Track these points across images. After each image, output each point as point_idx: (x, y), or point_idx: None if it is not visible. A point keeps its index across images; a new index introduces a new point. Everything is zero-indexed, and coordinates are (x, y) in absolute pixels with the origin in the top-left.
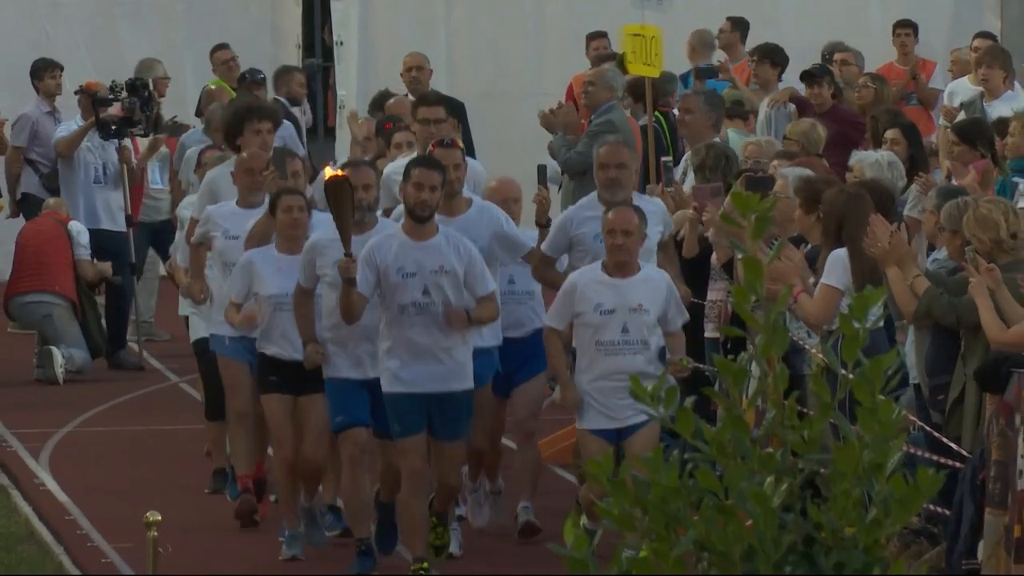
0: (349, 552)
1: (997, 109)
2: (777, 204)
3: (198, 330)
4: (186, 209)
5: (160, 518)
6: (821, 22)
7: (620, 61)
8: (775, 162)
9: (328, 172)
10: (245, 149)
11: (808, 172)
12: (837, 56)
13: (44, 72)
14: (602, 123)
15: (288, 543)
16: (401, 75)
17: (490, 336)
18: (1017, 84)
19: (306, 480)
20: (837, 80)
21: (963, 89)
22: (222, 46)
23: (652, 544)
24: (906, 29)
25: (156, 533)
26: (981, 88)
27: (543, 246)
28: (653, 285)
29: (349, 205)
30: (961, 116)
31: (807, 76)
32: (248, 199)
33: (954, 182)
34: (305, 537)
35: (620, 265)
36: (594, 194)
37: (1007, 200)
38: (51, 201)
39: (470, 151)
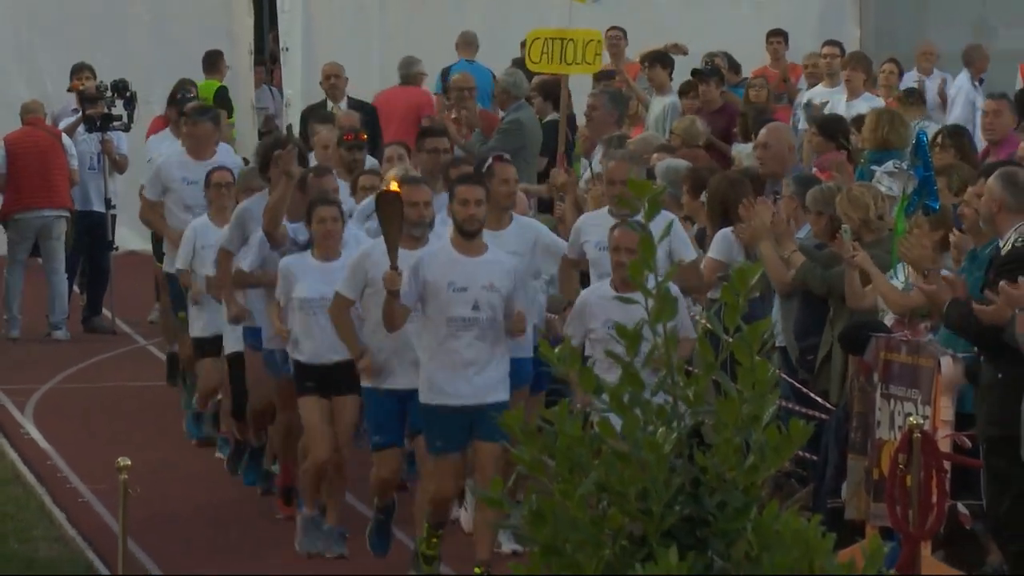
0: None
1: (856, 108)
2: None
3: (200, 329)
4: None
5: (130, 463)
6: (702, 30)
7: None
8: (656, 155)
9: (385, 186)
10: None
11: (684, 163)
12: (718, 61)
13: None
14: (512, 120)
15: (303, 529)
16: (320, 83)
17: (527, 346)
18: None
19: (331, 481)
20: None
21: (817, 92)
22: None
23: (559, 486)
24: (777, 37)
25: (126, 476)
26: (833, 89)
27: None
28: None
29: (398, 219)
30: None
31: (697, 74)
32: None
33: (814, 171)
34: (304, 541)
35: (626, 282)
36: (604, 209)
37: (874, 185)
38: (29, 103)
39: (377, 153)
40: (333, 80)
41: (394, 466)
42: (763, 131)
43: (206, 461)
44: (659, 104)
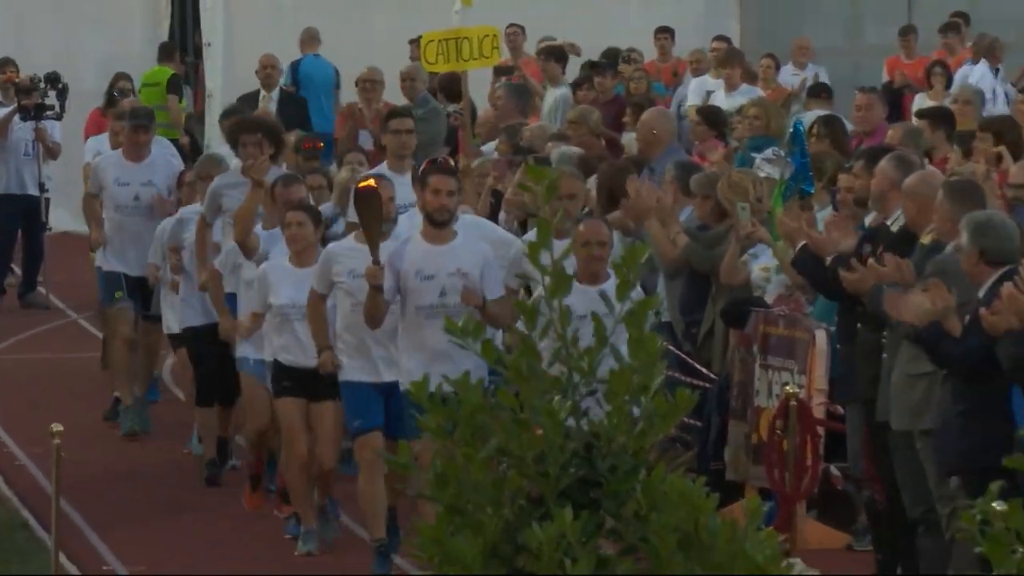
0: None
1: (736, 100)
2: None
3: (186, 319)
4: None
5: (62, 428)
6: (594, 27)
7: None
8: (550, 143)
9: (360, 182)
10: (242, 162)
11: (577, 150)
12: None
13: None
14: (429, 110)
15: (303, 539)
16: (256, 72)
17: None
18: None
19: (320, 481)
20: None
21: (702, 83)
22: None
23: (462, 450)
24: (664, 34)
25: (59, 441)
26: (718, 81)
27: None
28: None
29: (378, 214)
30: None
31: (594, 66)
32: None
33: (695, 157)
34: (319, 533)
35: (595, 274)
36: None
37: (753, 171)
38: None
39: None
40: (269, 70)
41: (377, 446)
42: (645, 114)
43: (160, 416)
44: (552, 96)
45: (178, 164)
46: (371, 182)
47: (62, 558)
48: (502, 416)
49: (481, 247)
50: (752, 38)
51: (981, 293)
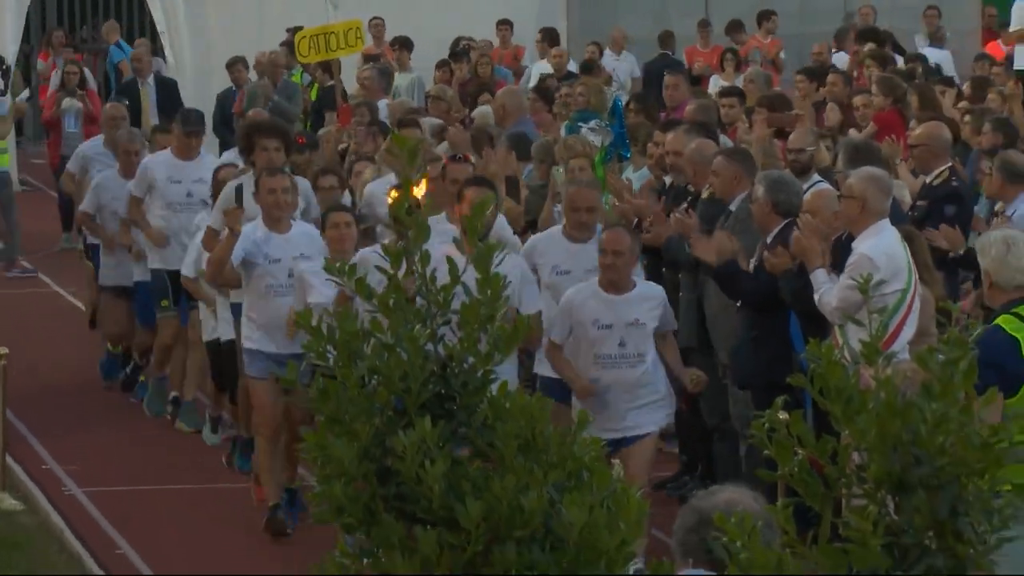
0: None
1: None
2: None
3: (214, 331)
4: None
5: (7, 351)
6: (445, 19)
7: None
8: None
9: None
10: (257, 166)
11: (438, 120)
12: (463, 44)
13: None
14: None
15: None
16: (131, 64)
17: None
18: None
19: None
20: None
21: (543, 66)
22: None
23: (339, 370)
24: (504, 26)
25: (5, 363)
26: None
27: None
28: (648, 299)
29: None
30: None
31: (453, 56)
32: (275, 222)
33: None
34: (286, 512)
35: (613, 283)
36: (558, 228)
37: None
38: None
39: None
40: (138, 64)
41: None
42: (499, 93)
43: (78, 349)
44: (405, 79)
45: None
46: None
47: (8, 460)
48: (372, 342)
49: (517, 261)
50: (577, 29)
51: (768, 239)
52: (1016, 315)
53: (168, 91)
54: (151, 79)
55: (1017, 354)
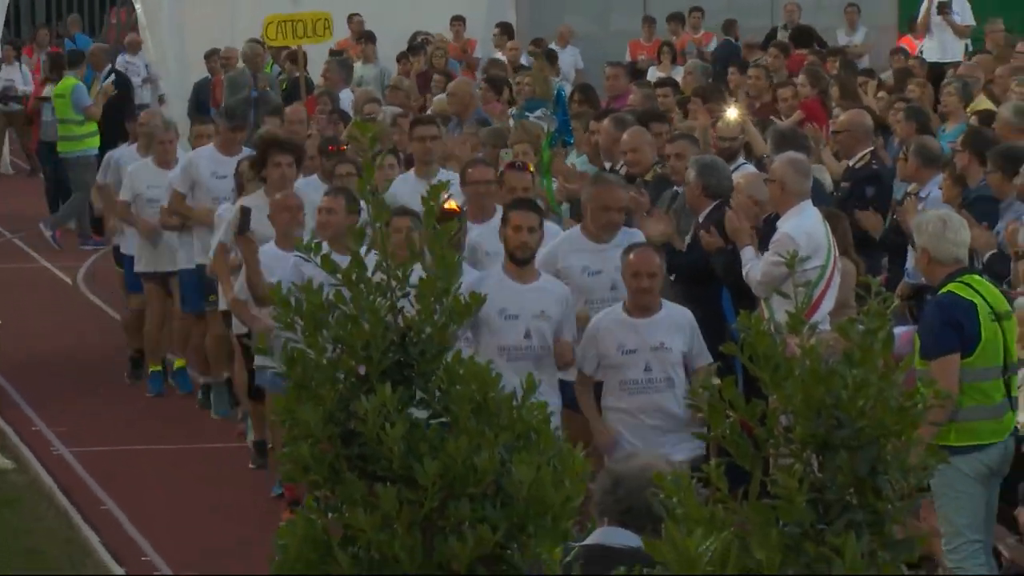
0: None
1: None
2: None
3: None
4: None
5: (1, 323)
6: (404, 15)
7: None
8: (367, 105)
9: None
10: (270, 181)
11: (397, 108)
12: (421, 38)
13: None
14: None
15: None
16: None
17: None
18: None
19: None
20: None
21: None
22: None
23: (306, 338)
24: (458, 22)
25: None
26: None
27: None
28: (675, 322)
29: (457, 240)
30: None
31: (411, 49)
32: (287, 239)
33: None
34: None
35: (642, 307)
36: (576, 229)
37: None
38: None
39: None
40: (93, 59)
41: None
42: (451, 84)
43: (64, 320)
44: (372, 70)
45: None
46: (455, 205)
47: (0, 422)
48: (336, 313)
49: (564, 289)
50: (526, 25)
51: (700, 219)
52: (964, 283)
53: (126, 87)
54: (110, 74)
55: (975, 317)
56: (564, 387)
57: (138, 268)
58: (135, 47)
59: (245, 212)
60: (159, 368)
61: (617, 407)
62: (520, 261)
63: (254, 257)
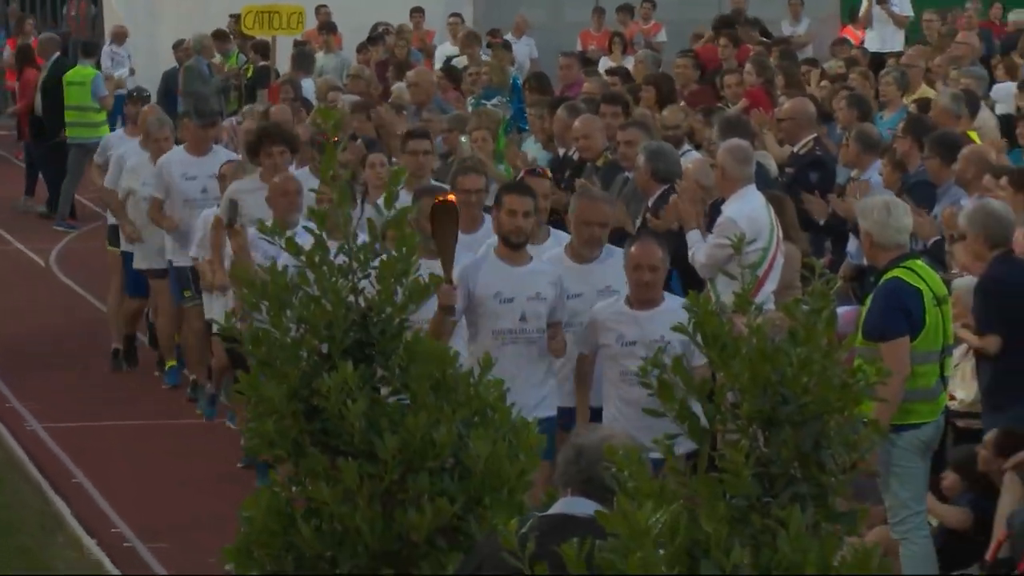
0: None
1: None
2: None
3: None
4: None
5: None
6: (365, 6)
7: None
8: (331, 93)
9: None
10: (264, 168)
11: (356, 97)
12: (381, 29)
13: None
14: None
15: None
16: None
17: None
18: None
19: None
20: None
21: (447, 49)
22: None
23: (271, 318)
24: (417, 13)
25: None
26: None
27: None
28: (677, 316)
29: (454, 231)
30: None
31: (371, 40)
32: (286, 220)
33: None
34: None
35: (644, 300)
36: (559, 251)
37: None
38: None
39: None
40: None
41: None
42: (410, 73)
43: (36, 300)
44: (333, 59)
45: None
46: (451, 196)
47: None
48: (300, 293)
49: (556, 272)
50: (482, 16)
51: (650, 203)
52: (908, 268)
53: (57, 70)
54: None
55: (921, 303)
56: (563, 413)
57: (137, 265)
58: (121, 38)
59: (233, 204)
60: (175, 363)
61: (618, 397)
62: (514, 245)
63: (244, 248)
